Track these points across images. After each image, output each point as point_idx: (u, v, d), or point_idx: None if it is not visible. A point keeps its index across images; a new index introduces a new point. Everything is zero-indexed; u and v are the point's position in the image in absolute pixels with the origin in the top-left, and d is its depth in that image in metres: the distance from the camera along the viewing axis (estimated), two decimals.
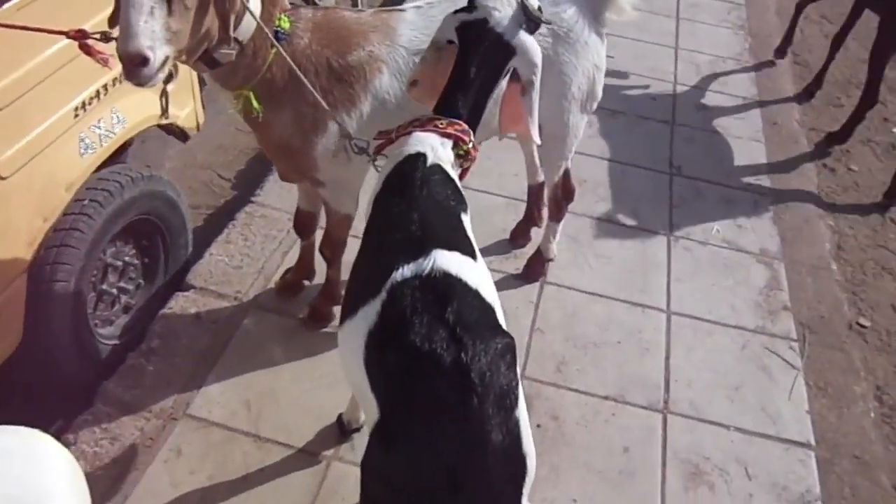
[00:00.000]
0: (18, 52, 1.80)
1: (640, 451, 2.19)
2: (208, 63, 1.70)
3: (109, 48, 1.62)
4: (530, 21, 1.53)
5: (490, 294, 1.24)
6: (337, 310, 2.39)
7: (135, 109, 2.25)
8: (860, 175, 3.59)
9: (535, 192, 2.70)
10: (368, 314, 1.22)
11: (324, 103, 1.77)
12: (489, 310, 1.18)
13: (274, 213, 2.79)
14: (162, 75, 1.49)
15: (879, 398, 2.52)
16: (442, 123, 1.50)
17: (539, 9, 1.55)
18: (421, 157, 1.44)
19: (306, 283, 2.50)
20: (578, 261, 2.78)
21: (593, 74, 2.11)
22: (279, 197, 2.87)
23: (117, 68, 1.61)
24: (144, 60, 1.41)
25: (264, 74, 1.77)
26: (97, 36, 1.69)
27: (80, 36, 1.71)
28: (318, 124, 1.87)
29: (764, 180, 3.33)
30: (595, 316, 2.58)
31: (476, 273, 1.24)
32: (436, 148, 1.46)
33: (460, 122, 1.52)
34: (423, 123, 1.52)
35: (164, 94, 2.21)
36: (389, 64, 1.89)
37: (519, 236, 2.79)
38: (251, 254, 2.62)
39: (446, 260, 1.22)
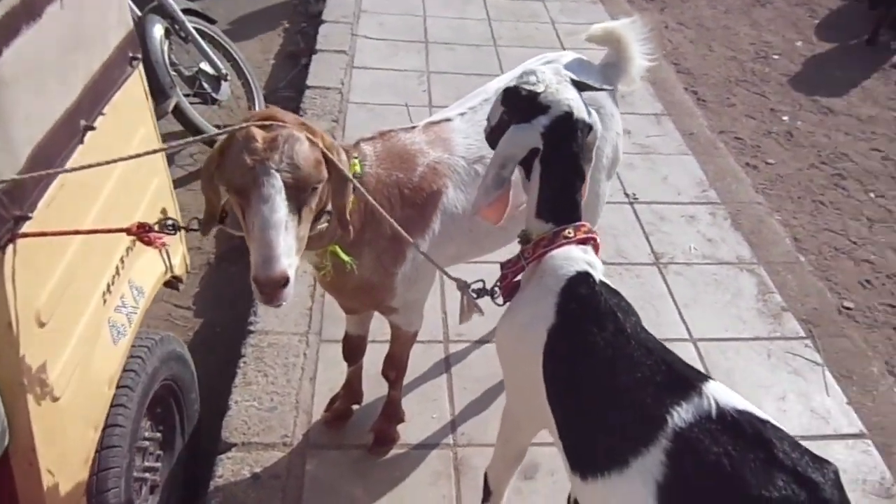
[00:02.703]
0: (50, 258, 1.55)
1: None
2: None
3: None
4: (581, 91, 1.55)
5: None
6: (400, 428, 2.28)
7: (147, 275, 2.01)
8: (777, 167, 3.92)
9: None
10: (650, 466, 1.14)
11: (406, 237, 1.68)
12: (791, 437, 1.16)
13: (282, 339, 2.59)
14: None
15: (892, 372, 2.76)
16: (569, 232, 1.47)
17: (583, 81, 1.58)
18: (587, 276, 1.39)
19: (355, 407, 2.35)
20: None
21: (617, 142, 2.15)
22: (278, 319, 2.67)
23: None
24: (287, 281, 1.30)
25: None
26: (158, 228, 1.55)
27: (142, 232, 1.52)
28: (398, 256, 1.78)
29: (709, 190, 3.55)
30: None
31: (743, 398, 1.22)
32: (590, 262, 1.43)
33: (583, 223, 1.49)
34: (551, 240, 1.48)
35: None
36: (452, 177, 1.83)
37: None
38: (279, 390, 2.41)
39: (724, 394, 1.17)
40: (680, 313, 2.85)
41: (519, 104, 1.51)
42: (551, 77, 1.52)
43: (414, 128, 1.87)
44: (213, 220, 1.56)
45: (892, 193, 3.79)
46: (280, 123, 1.38)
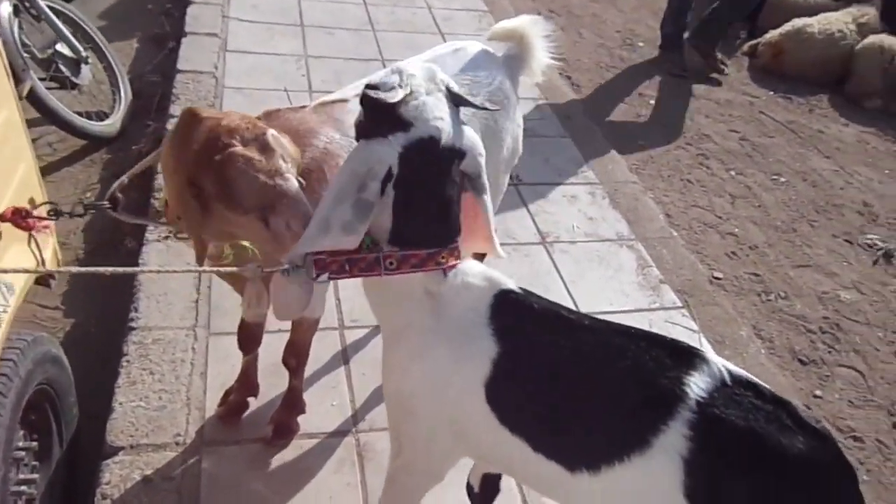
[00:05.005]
0: None
1: None
2: None
3: None
4: (458, 104, 1.34)
5: None
6: (300, 419, 2.22)
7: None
8: (648, 148, 4.13)
9: None
10: (672, 443, 1.14)
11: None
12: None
13: (167, 334, 2.45)
14: None
15: (759, 335, 2.98)
16: (443, 258, 1.33)
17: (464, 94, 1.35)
18: (506, 293, 1.35)
19: (251, 400, 2.26)
20: None
21: (517, 133, 2.18)
22: (161, 314, 2.52)
23: None
24: None
25: None
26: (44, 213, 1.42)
27: (17, 218, 1.38)
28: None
29: (587, 171, 3.69)
30: None
31: None
32: (490, 276, 1.37)
33: (455, 246, 1.37)
34: (423, 261, 1.33)
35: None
36: (345, 157, 1.78)
37: None
38: (167, 388, 2.28)
39: (730, 364, 1.19)
40: (567, 289, 2.95)
41: (375, 111, 1.27)
42: (421, 84, 1.28)
43: (303, 108, 1.81)
44: (205, 250, 1.53)
45: (749, 171, 4.08)
46: (241, 128, 1.38)
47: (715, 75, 5.02)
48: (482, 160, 1.36)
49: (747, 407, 1.12)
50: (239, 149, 1.35)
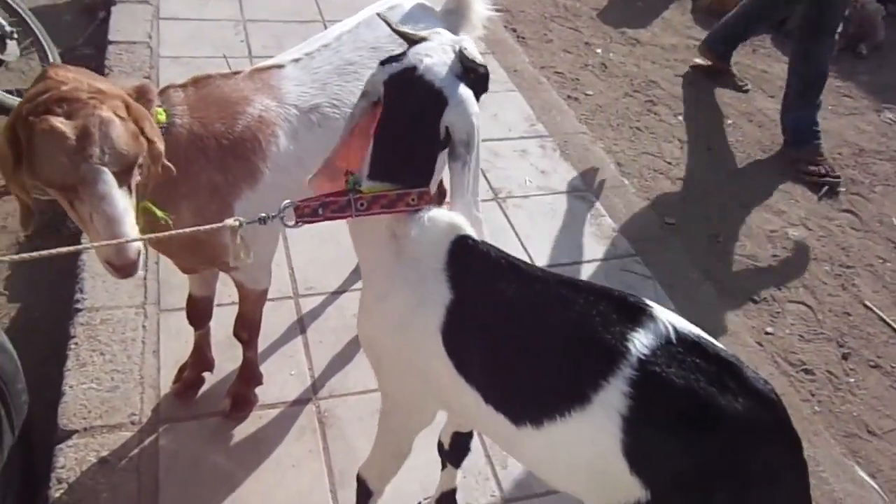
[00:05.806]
0: None
1: None
2: None
3: None
4: (468, 71, 1.35)
5: None
6: (259, 390, 2.20)
7: None
8: (596, 97, 4.12)
9: None
10: (611, 400, 1.12)
11: None
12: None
13: (116, 314, 2.39)
14: None
15: (709, 276, 3.03)
16: (413, 199, 1.35)
17: (480, 62, 1.37)
18: (464, 239, 1.33)
19: (206, 375, 2.23)
20: None
21: None
22: (108, 293, 2.46)
23: None
24: (139, 254, 1.31)
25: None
26: None
27: None
28: (223, 209, 1.67)
29: (537, 124, 3.67)
30: None
31: None
32: (454, 221, 1.35)
33: (426, 189, 1.38)
34: (392, 202, 1.34)
35: None
36: (282, 126, 1.73)
37: None
38: (119, 368, 2.24)
39: (675, 317, 1.18)
40: (522, 244, 2.96)
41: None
42: (443, 38, 1.39)
43: (237, 74, 1.75)
44: (31, 214, 1.43)
45: (696, 115, 4.11)
46: (79, 101, 1.28)
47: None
48: (473, 128, 1.31)
49: (689, 366, 1.10)
50: (54, 120, 1.25)
